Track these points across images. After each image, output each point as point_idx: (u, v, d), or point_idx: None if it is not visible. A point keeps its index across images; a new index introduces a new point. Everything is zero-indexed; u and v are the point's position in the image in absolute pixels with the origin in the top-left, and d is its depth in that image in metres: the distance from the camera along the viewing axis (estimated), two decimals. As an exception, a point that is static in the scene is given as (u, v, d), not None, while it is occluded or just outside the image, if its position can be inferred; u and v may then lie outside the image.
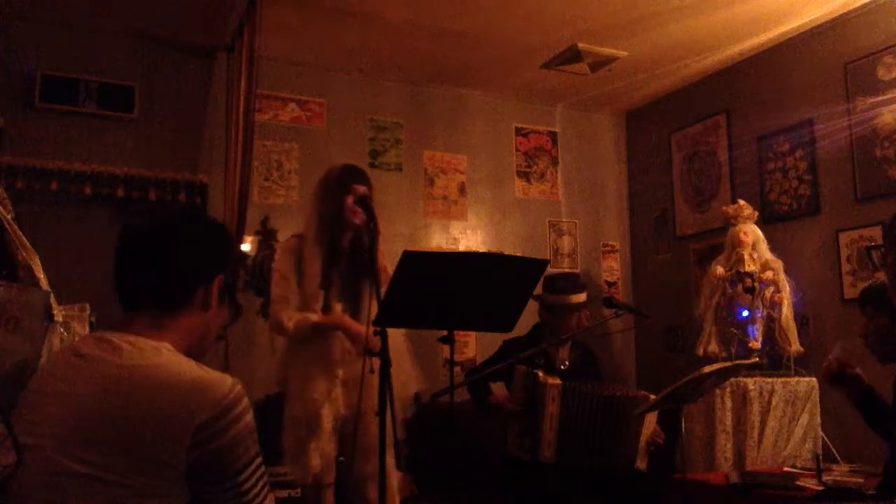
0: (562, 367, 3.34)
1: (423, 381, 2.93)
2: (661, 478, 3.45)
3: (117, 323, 1.28)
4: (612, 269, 5.67)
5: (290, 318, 2.70)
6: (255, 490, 1.20)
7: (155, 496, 1.11)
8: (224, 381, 1.19)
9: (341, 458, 2.73)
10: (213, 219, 1.42)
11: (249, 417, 1.20)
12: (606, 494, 3.17)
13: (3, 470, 1.13)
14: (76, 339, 2.14)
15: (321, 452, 2.69)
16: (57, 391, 1.20)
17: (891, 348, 2.44)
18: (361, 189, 2.77)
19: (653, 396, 3.11)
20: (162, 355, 1.22)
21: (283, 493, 3.44)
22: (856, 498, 2.59)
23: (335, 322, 2.71)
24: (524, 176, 5.45)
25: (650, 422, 3.08)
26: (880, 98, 3.93)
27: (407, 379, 2.77)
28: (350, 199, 2.75)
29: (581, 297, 3.37)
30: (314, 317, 2.71)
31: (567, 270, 5.29)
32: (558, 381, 3.04)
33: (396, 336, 2.75)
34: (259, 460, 1.21)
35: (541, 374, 3.04)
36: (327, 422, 2.70)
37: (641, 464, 3.09)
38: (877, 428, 2.56)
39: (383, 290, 2.35)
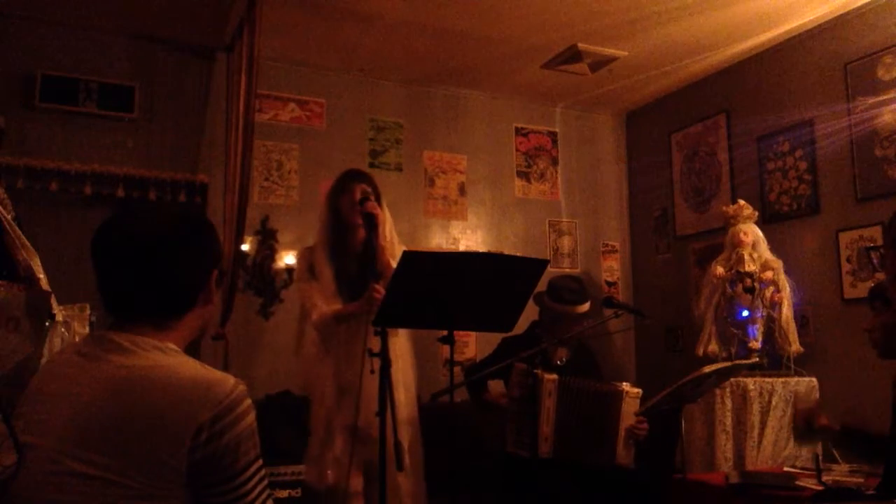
0: (559, 362, 3.35)
1: (423, 382, 2.97)
2: (658, 476, 3.45)
3: (120, 322, 1.26)
4: (612, 269, 5.67)
5: (317, 313, 2.79)
6: (255, 492, 1.19)
7: (156, 497, 1.11)
8: (226, 381, 1.18)
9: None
10: (199, 217, 1.40)
11: (251, 418, 1.19)
12: (605, 492, 3.16)
13: (4, 470, 1.13)
14: (77, 338, 2.14)
15: (335, 461, 2.71)
16: (59, 391, 1.20)
17: (894, 345, 2.46)
18: (360, 188, 2.80)
19: (626, 384, 3.10)
20: (166, 355, 1.22)
21: (283, 494, 3.44)
22: (856, 498, 2.59)
23: (352, 309, 2.75)
24: (524, 176, 5.45)
25: (627, 413, 3.05)
26: (880, 98, 3.93)
27: (411, 380, 2.85)
28: (346, 200, 2.79)
29: (586, 307, 3.35)
30: (334, 307, 2.77)
31: (568, 272, 5.30)
32: (555, 377, 3.05)
33: (402, 339, 2.80)
34: (259, 462, 1.21)
35: (538, 371, 3.04)
36: (340, 430, 2.72)
37: (626, 458, 3.05)
38: (864, 457, 2.56)
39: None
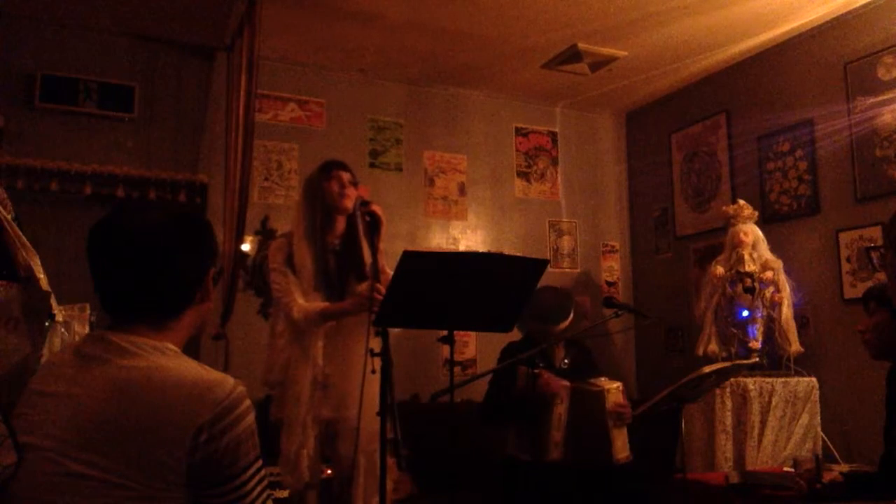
0: (562, 365, 3.35)
1: (423, 382, 2.94)
2: (658, 476, 3.45)
3: (118, 322, 1.26)
4: (612, 269, 5.67)
5: (299, 309, 2.70)
6: (255, 492, 1.19)
7: (156, 498, 1.10)
8: (226, 382, 1.18)
9: (327, 462, 2.75)
10: (194, 214, 1.40)
11: (250, 419, 1.19)
12: (606, 493, 3.17)
13: (4, 470, 1.13)
14: (76, 338, 2.14)
15: (310, 458, 2.70)
16: (58, 391, 1.19)
17: (887, 345, 2.47)
18: (346, 175, 2.78)
19: (603, 379, 3.09)
20: (165, 357, 1.21)
21: (283, 494, 3.43)
22: (856, 497, 2.59)
23: (342, 307, 2.71)
24: (524, 176, 5.45)
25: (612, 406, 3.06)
26: (880, 98, 3.93)
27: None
28: (332, 186, 2.76)
29: (565, 324, 3.34)
30: (320, 304, 2.71)
31: (568, 271, 5.31)
32: (567, 384, 3.05)
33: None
34: (259, 462, 1.21)
35: (545, 374, 3.05)
36: (312, 425, 2.71)
37: (623, 452, 3.03)
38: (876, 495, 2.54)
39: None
